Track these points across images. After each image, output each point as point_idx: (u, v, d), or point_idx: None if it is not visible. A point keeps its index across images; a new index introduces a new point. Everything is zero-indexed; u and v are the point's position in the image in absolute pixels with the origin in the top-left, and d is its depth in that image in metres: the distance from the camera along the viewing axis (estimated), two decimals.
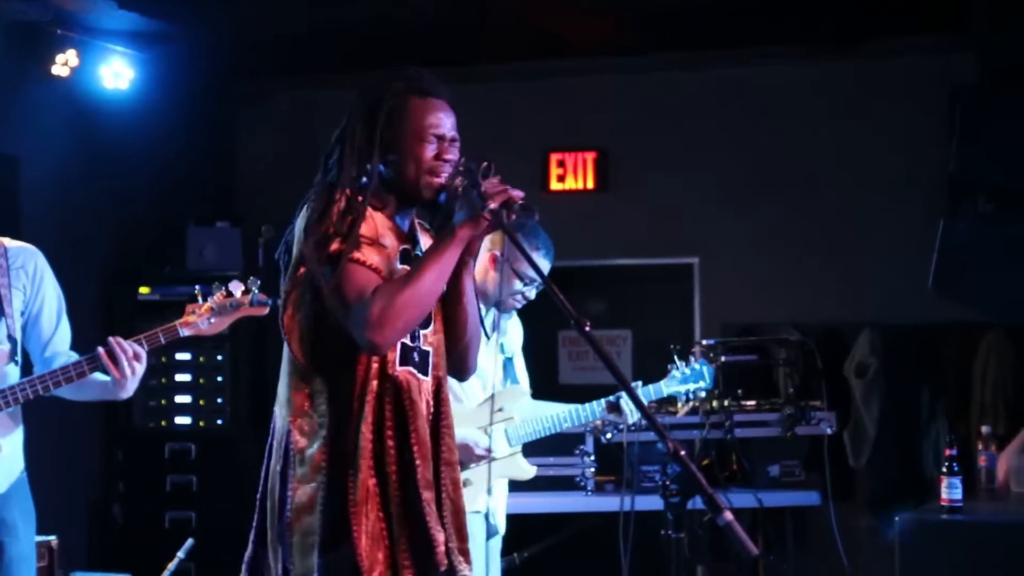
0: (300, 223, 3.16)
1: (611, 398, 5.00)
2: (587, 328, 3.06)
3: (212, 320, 4.19)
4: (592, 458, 6.13)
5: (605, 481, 6.34)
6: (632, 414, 4.97)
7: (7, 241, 4.24)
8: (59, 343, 4.24)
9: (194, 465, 7.46)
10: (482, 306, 4.62)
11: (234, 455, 7.47)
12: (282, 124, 8.48)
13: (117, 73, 7.06)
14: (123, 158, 7.43)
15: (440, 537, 3.06)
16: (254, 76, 8.23)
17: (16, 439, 4.19)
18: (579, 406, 5.04)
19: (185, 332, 4.18)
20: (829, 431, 6.39)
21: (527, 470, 4.80)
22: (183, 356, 7.53)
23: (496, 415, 4.64)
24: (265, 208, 8.02)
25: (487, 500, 4.52)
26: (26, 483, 4.24)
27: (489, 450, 4.52)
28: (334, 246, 3.03)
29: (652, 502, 5.55)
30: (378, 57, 7.93)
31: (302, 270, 3.09)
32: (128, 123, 7.29)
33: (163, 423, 7.53)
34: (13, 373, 4.11)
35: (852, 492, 7.35)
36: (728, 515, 2.71)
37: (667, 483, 2.83)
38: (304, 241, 3.08)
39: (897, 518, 4.95)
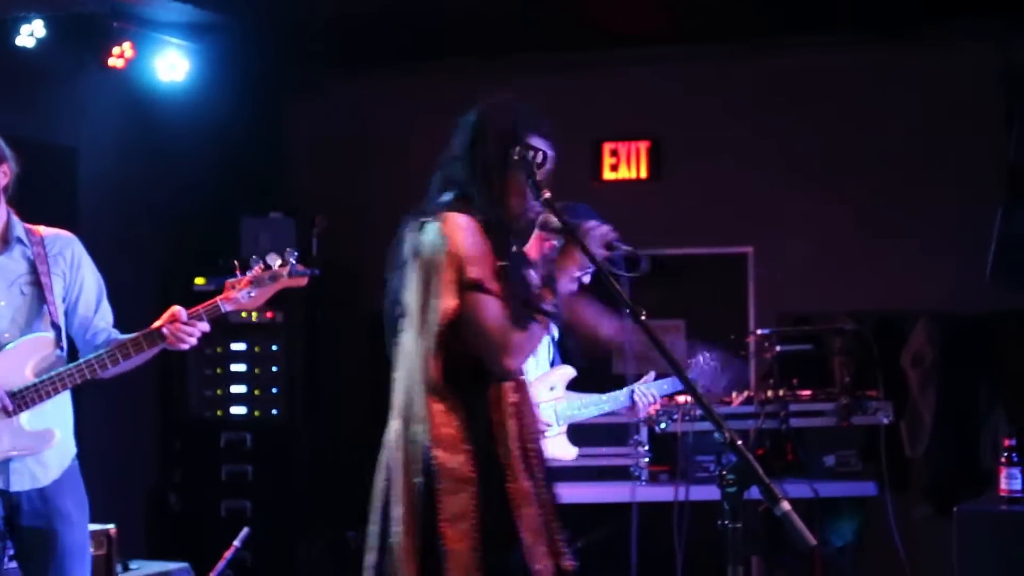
0: (435, 239, 3.32)
1: (627, 389, 5.01)
2: (643, 317, 3.07)
3: (252, 293, 4.19)
4: (646, 448, 6.11)
5: (659, 471, 6.33)
6: (644, 409, 4.98)
7: (43, 229, 4.28)
8: (100, 324, 4.28)
9: (250, 454, 7.51)
10: None
11: (289, 445, 7.52)
12: (335, 114, 8.50)
13: (172, 65, 7.11)
14: (178, 149, 7.48)
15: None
16: (307, 66, 8.26)
17: (68, 426, 4.23)
18: (615, 392, 5.07)
19: (227, 307, 4.20)
20: (886, 421, 6.35)
21: (570, 451, 4.81)
22: (238, 346, 7.58)
23: (548, 394, 4.65)
24: (318, 198, 8.07)
25: None
26: (78, 470, 4.28)
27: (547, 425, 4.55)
28: (473, 273, 3.26)
29: (706, 492, 5.54)
30: (428, 47, 7.95)
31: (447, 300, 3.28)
32: (183, 114, 7.34)
33: (219, 413, 7.58)
34: (59, 360, 4.14)
35: (909, 483, 7.29)
36: (786, 505, 2.70)
37: (724, 472, 2.81)
38: (444, 264, 3.28)
39: (955, 509, 4.91)
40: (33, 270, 4.16)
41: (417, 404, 3.34)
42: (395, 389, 3.44)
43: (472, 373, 3.31)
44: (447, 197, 3.40)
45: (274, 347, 7.55)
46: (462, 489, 3.26)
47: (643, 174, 8.17)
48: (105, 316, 4.32)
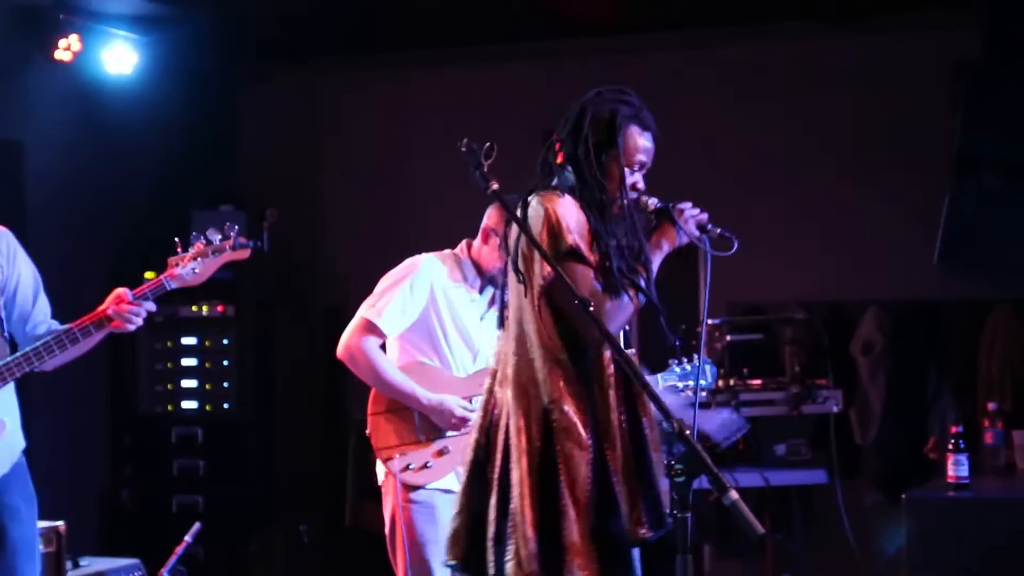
0: (536, 211, 3.58)
1: None
2: (590, 308, 3.09)
3: (196, 269, 4.19)
4: None
5: None
6: None
7: None
8: (39, 316, 4.25)
9: (201, 449, 7.47)
10: (476, 282, 4.67)
11: (241, 439, 7.49)
12: (285, 107, 8.47)
13: (120, 57, 7.04)
14: (127, 143, 7.42)
15: (666, 488, 3.33)
16: (256, 58, 8.22)
17: (16, 419, 4.19)
18: None
19: (172, 284, 4.19)
20: (835, 409, 6.40)
21: None
22: (189, 341, 7.54)
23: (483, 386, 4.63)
24: (269, 191, 8.04)
25: (456, 477, 4.50)
26: (26, 465, 4.24)
27: (465, 420, 4.49)
28: (569, 241, 3.52)
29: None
30: (378, 39, 7.92)
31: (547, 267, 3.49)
32: (131, 107, 7.28)
33: (170, 408, 7.54)
34: (3, 349, 4.11)
35: (859, 470, 7.34)
36: (733, 494, 2.71)
37: (672, 463, 2.82)
38: (543, 233, 3.52)
39: (904, 495, 4.95)
40: None
41: (535, 370, 3.55)
42: (501, 358, 3.66)
43: (577, 341, 3.54)
44: (550, 179, 3.68)
45: (225, 341, 7.52)
46: (580, 454, 3.46)
47: None
48: (43, 308, 4.29)
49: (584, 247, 3.55)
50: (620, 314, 3.59)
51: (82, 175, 7.23)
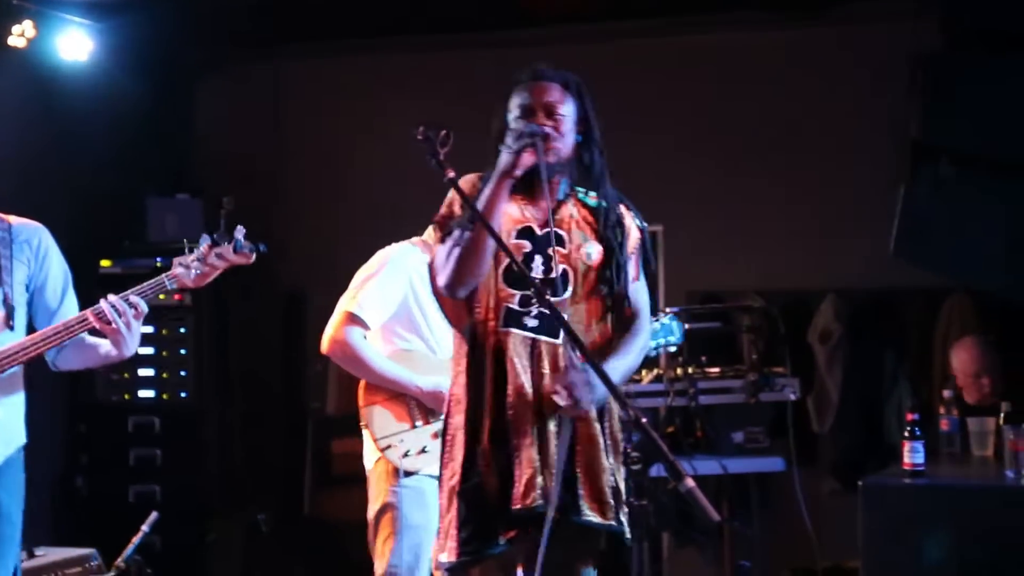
0: None
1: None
2: (547, 296, 3.10)
3: (197, 271, 4.10)
4: None
5: None
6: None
7: (12, 218, 4.28)
8: (65, 315, 4.22)
9: (158, 438, 7.43)
10: None
11: (198, 428, 7.46)
12: (242, 94, 8.42)
13: (75, 44, 6.99)
14: (82, 130, 7.36)
15: (525, 476, 3.45)
16: (212, 45, 8.16)
17: (15, 411, 4.19)
18: None
19: (172, 284, 4.12)
20: (793, 397, 6.42)
21: None
22: (145, 329, 7.42)
23: None
24: (226, 179, 7.99)
25: None
26: (22, 461, 4.22)
27: None
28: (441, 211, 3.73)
29: None
30: (337, 26, 7.89)
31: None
32: (86, 95, 7.22)
33: (126, 396, 7.49)
34: (8, 339, 4.08)
35: (816, 457, 7.38)
36: (690, 482, 2.72)
37: (628, 450, 2.83)
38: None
39: (860, 482, 4.98)
40: None
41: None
42: None
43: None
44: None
45: (182, 329, 7.47)
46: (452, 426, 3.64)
47: None
48: (70, 307, 4.27)
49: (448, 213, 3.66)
50: (441, 264, 3.57)
51: (36, 163, 7.17)
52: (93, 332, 4.09)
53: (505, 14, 7.67)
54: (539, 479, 3.44)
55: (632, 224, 3.81)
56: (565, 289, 3.54)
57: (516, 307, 3.54)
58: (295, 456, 7.93)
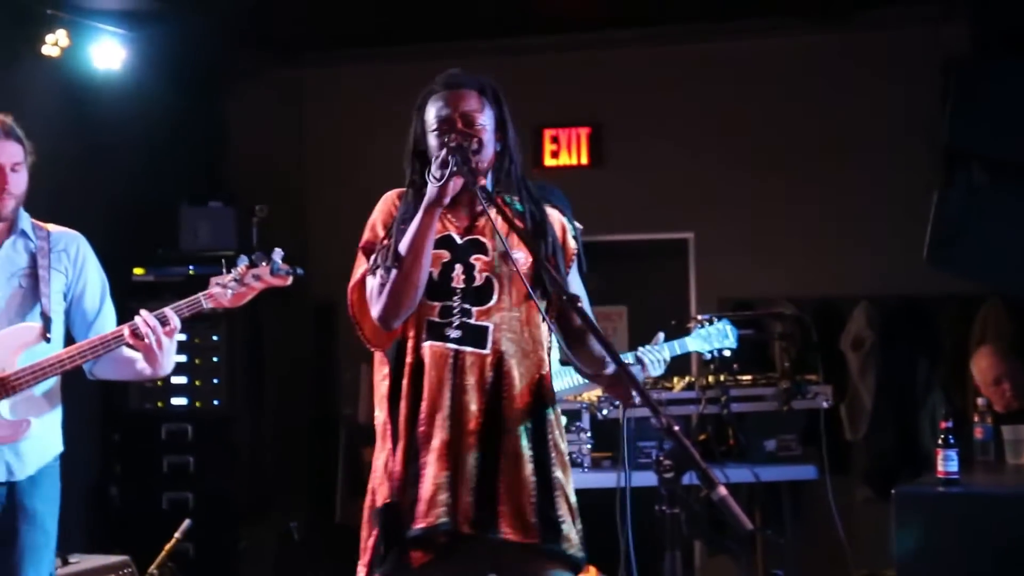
0: None
1: (635, 352, 4.98)
2: (579, 304, 3.08)
3: (233, 291, 4.09)
4: (589, 435, 6.11)
5: (602, 458, 6.34)
6: (655, 366, 4.94)
7: (51, 227, 4.31)
8: (103, 325, 4.25)
9: (191, 446, 7.45)
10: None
11: (230, 435, 7.47)
12: (274, 102, 8.45)
13: (108, 53, 7.03)
14: (115, 139, 7.39)
15: (427, 493, 3.31)
16: (244, 53, 8.20)
17: (51, 421, 4.20)
18: None
19: (208, 304, 4.12)
20: (826, 405, 6.38)
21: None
22: (178, 337, 7.48)
23: None
24: (258, 187, 8.02)
25: None
26: (57, 470, 4.24)
27: None
28: (365, 237, 3.67)
29: (650, 478, 5.54)
30: (365, 34, 7.91)
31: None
32: (120, 103, 7.26)
33: (159, 404, 7.51)
34: (44, 351, 4.09)
35: (849, 466, 7.35)
36: (722, 490, 2.70)
37: (661, 459, 2.81)
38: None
39: (893, 491, 4.95)
40: (33, 263, 4.16)
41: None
42: None
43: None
44: None
45: (215, 337, 7.49)
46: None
47: (584, 160, 8.18)
48: (107, 317, 4.30)
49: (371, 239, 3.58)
50: (375, 296, 3.42)
51: (69, 171, 7.19)
52: (129, 346, 4.11)
53: (531, 20, 7.68)
54: (443, 496, 3.30)
55: (565, 225, 3.64)
56: (490, 297, 3.42)
57: (437, 319, 3.40)
58: (326, 464, 7.94)
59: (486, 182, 3.47)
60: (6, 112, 4.35)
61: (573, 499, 3.51)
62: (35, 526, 4.12)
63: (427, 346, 3.39)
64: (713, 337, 5.13)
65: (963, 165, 6.01)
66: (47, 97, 7.05)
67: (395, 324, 3.39)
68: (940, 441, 4.97)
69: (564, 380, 4.85)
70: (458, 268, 3.44)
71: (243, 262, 4.11)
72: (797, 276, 7.66)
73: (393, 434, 3.41)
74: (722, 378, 6.32)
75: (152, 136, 7.61)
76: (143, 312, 4.08)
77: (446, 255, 3.44)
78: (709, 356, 5.28)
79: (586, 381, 4.96)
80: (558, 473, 3.44)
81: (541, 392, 3.46)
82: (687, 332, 5.19)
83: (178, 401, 7.50)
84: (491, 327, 3.39)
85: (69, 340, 4.22)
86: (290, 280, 4.16)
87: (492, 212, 3.38)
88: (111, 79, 7.12)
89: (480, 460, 3.34)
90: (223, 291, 4.08)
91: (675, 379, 6.50)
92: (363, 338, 3.51)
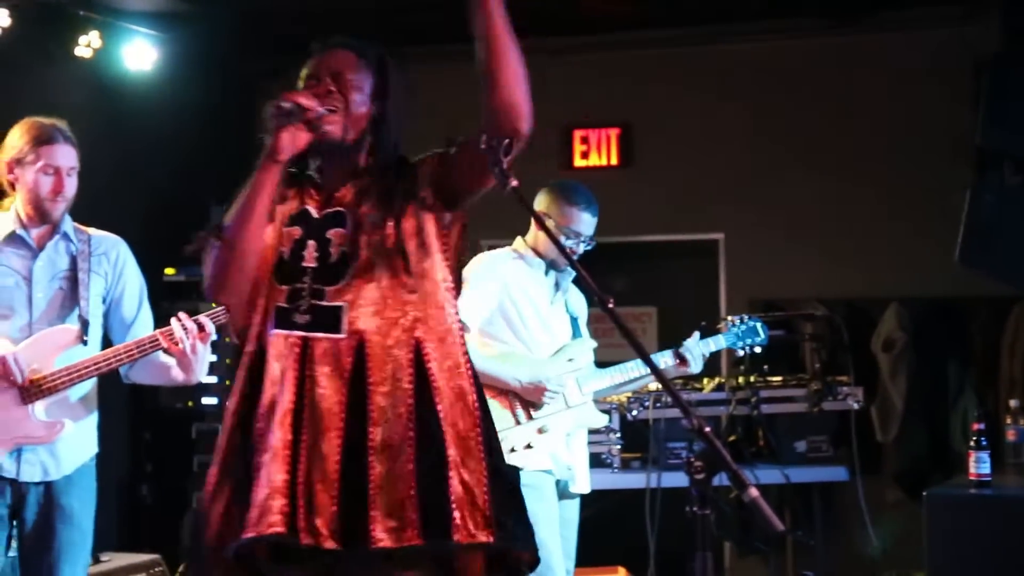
0: None
1: (677, 348, 4.98)
2: (610, 305, 3.06)
3: None
4: (618, 435, 6.11)
5: (632, 458, 6.34)
6: (695, 363, 4.95)
7: (92, 231, 4.38)
8: (140, 329, 4.29)
9: None
10: (542, 267, 4.71)
11: None
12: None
13: (140, 54, 7.07)
14: (147, 139, 7.43)
15: (260, 497, 2.86)
16: (276, 54, 8.21)
17: (86, 422, 4.23)
18: (654, 355, 5.00)
19: None
20: (856, 406, 6.38)
21: (599, 418, 4.82)
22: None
23: (566, 365, 4.68)
24: None
25: (554, 459, 4.60)
26: (93, 471, 4.28)
27: (555, 393, 4.56)
28: None
29: (679, 479, 5.55)
30: (397, 33, 7.91)
31: None
32: (151, 104, 7.29)
33: (190, 403, 7.54)
34: (81, 353, 4.13)
35: (880, 467, 7.32)
36: (753, 491, 2.69)
37: (691, 459, 2.80)
38: None
39: (925, 493, 4.93)
40: (74, 266, 4.21)
41: None
42: None
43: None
44: None
45: None
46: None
47: (614, 161, 8.18)
48: (145, 321, 4.34)
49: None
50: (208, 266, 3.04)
51: (102, 172, 7.20)
52: (165, 350, 4.14)
53: (560, 20, 7.67)
54: (277, 502, 2.84)
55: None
56: (344, 273, 2.99)
57: (285, 304, 3.00)
58: None
59: (361, 149, 3.14)
60: (46, 115, 4.39)
61: (486, 480, 2.97)
62: (72, 525, 4.16)
63: (272, 335, 2.99)
64: (745, 334, 5.15)
65: (995, 165, 5.98)
66: (80, 98, 7.09)
67: (221, 296, 3.04)
68: (972, 443, 4.94)
69: (602, 380, 4.85)
70: (311, 245, 3.04)
71: None
72: (827, 277, 7.64)
73: (229, 437, 3.02)
74: (752, 379, 6.32)
75: (183, 136, 7.64)
76: (181, 315, 4.10)
77: (298, 232, 3.07)
78: (742, 352, 5.28)
79: (627, 382, 4.95)
80: (451, 451, 2.94)
81: (423, 365, 2.98)
82: (719, 331, 5.19)
83: (209, 400, 7.53)
84: (345, 307, 2.97)
85: (107, 344, 4.25)
86: None
87: (367, 180, 3.07)
88: (143, 80, 7.16)
89: (345, 459, 2.89)
90: None
91: (705, 380, 6.50)
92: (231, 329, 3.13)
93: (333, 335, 2.96)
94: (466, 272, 4.72)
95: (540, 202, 4.71)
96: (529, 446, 4.55)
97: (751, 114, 7.88)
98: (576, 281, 4.78)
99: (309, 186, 3.14)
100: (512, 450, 4.51)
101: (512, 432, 4.55)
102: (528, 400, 4.59)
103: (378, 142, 3.16)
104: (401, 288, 3.02)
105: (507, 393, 4.58)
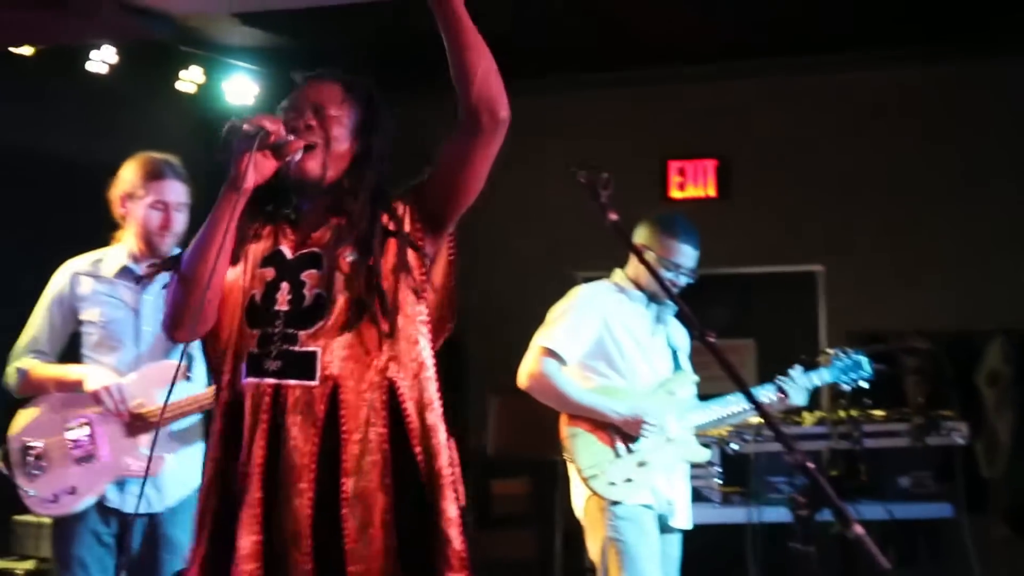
0: None
1: (779, 381, 4.92)
2: (710, 339, 3.03)
3: None
4: (718, 469, 6.06)
5: (731, 492, 6.27)
6: (798, 397, 4.89)
7: None
8: None
9: None
10: (642, 300, 4.68)
11: None
12: (406, 137, 8.52)
13: (241, 89, 7.17)
14: None
15: (238, 563, 2.73)
16: (375, 85, 8.30)
17: (190, 455, 4.26)
18: (754, 388, 4.94)
19: None
20: (961, 441, 6.26)
21: (701, 452, 4.76)
22: None
23: (667, 398, 4.65)
24: None
25: (654, 493, 4.55)
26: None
27: (652, 426, 4.53)
28: None
29: (779, 513, 5.48)
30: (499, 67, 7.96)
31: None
32: None
33: None
34: (186, 389, 4.18)
35: (986, 504, 7.18)
36: (858, 528, 2.65)
37: (795, 495, 2.77)
38: None
39: None
40: None
41: None
42: None
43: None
44: None
45: None
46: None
47: (711, 192, 8.14)
48: None
49: None
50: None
51: (206, 206, 7.33)
52: None
53: (656, 53, 7.67)
54: (250, 566, 2.72)
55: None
56: (319, 317, 2.81)
57: (256, 350, 2.83)
58: None
59: (338, 187, 2.94)
60: (149, 149, 4.46)
61: (460, 520, 2.85)
62: (176, 555, 4.20)
63: (245, 383, 2.82)
64: (849, 368, 5.07)
65: None
66: (182, 133, 7.19)
67: (176, 334, 2.87)
68: None
69: (703, 414, 4.79)
70: (284, 287, 2.86)
71: None
72: (930, 309, 7.53)
73: (206, 499, 2.87)
74: (854, 413, 6.23)
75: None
76: None
77: (271, 273, 2.88)
78: (847, 387, 5.19)
79: (728, 416, 4.89)
80: (428, 494, 2.81)
81: (398, 406, 2.82)
82: (822, 364, 5.11)
83: None
84: (318, 352, 2.80)
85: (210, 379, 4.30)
86: None
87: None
88: (245, 115, 7.25)
89: (317, 514, 2.75)
90: None
91: (805, 414, 6.42)
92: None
93: (306, 382, 2.80)
94: (565, 305, 4.72)
95: (641, 235, 4.68)
96: (629, 480, 4.52)
97: (849, 144, 7.81)
98: (677, 314, 4.74)
99: (285, 225, 2.95)
100: (612, 484, 4.49)
101: (612, 466, 4.52)
102: (627, 433, 4.56)
103: (359, 181, 2.95)
104: (375, 329, 2.83)
105: (606, 426, 4.56)
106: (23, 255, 5.48)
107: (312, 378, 2.79)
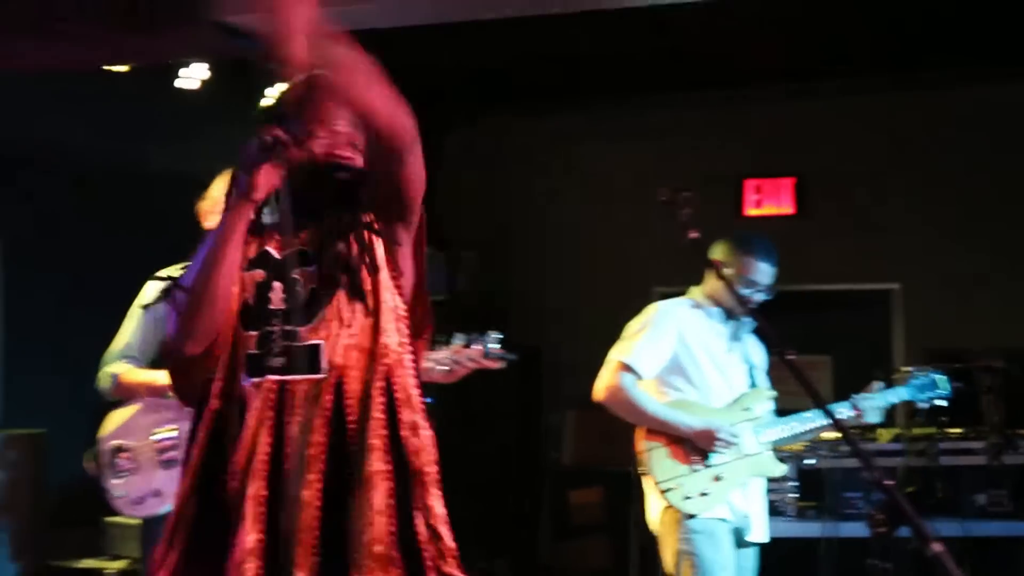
0: None
1: (856, 398, 4.95)
2: (790, 356, 3.09)
3: (446, 369, 4.06)
4: (794, 484, 6.09)
5: (806, 507, 6.30)
6: (873, 413, 4.91)
7: None
8: None
9: None
10: (719, 317, 4.74)
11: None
12: (484, 151, 8.63)
13: None
14: None
15: (238, 561, 2.71)
16: (459, 104, 8.40)
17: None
18: (830, 405, 4.97)
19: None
20: None
21: (778, 467, 4.80)
22: None
23: (742, 414, 4.70)
24: (467, 232, 8.21)
25: (731, 507, 4.62)
26: None
27: (727, 442, 4.58)
28: None
29: (854, 528, 5.51)
30: (568, 85, 8.05)
31: None
32: None
33: None
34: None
35: None
36: (937, 546, 2.69)
37: (873, 512, 2.82)
38: None
39: None
40: None
41: None
42: None
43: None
44: None
45: None
46: None
47: (789, 210, 8.17)
48: None
49: None
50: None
51: None
52: None
53: (733, 71, 7.71)
54: (252, 563, 2.69)
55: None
56: (318, 311, 2.85)
57: (255, 351, 2.84)
58: (531, 505, 8.03)
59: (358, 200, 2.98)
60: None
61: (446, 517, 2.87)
62: None
63: (245, 385, 2.83)
64: (926, 387, 5.09)
65: None
66: None
67: (189, 348, 2.86)
68: None
69: (780, 429, 4.83)
70: (277, 287, 2.88)
71: (458, 340, 4.10)
72: (1007, 327, 7.50)
73: (186, 504, 2.83)
74: (930, 431, 6.24)
75: None
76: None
77: (261, 275, 2.90)
78: (925, 406, 5.21)
79: (805, 432, 4.91)
80: (416, 487, 2.83)
81: (392, 395, 2.85)
82: (898, 382, 5.14)
83: None
84: (322, 344, 2.83)
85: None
86: (502, 365, 4.13)
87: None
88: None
89: (325, 504, 2.74)
90: (434, 366, 4.04)
91: (880, 431, 6.44)
92: (176, 392, 2.97)
93: (313, 375, 2.82)
94: (642, 320, 4.79)
95: (719, 252, 4.73)
96: (704, 493, 4.57)
97: (926, 161, 7.80)
98: (755, 330, 4.79)
99: (269, 227, 2.95)
100: (687, 497, 4.55)
101: (687, 479, 4.58)
102: (701, 447, 4.62)
103: (369, 194, 3.00)
104: (371, 319, 2.87)
105: (682, 441, 4.62)
106: (118, 264, 5.62)
107: (318, 370, 2.81)
